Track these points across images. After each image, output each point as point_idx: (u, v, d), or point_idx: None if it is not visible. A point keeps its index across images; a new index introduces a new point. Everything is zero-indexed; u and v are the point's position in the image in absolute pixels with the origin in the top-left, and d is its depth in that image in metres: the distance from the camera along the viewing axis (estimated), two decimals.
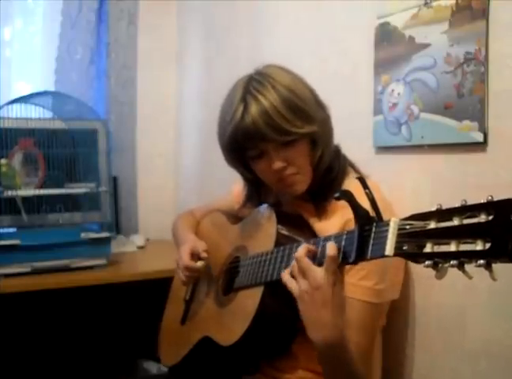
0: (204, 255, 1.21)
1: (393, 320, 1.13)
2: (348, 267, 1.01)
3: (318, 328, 0.87)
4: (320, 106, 1.12)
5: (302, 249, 0.87)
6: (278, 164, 1.07)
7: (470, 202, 0.63)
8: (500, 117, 1.04)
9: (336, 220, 1.07)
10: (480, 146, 1.07)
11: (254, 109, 1.03)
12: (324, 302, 0.85)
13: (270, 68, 1.12)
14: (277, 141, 1.05)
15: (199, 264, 1.20)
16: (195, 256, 1.22)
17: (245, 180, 1.24)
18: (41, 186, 1.66)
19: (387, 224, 0.73)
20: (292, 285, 0.88)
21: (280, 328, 1.04)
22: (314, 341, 0.90)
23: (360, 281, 1.03)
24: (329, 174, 1.13)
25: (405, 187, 1.23)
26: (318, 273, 0.84)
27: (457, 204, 0.64)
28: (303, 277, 0.86)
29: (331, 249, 0.83)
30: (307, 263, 0.85)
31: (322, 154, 1.10)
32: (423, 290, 1.19)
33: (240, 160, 1.15)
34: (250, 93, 1.05)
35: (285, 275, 0.90)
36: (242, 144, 1.08)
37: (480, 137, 1.07)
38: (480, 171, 1.08)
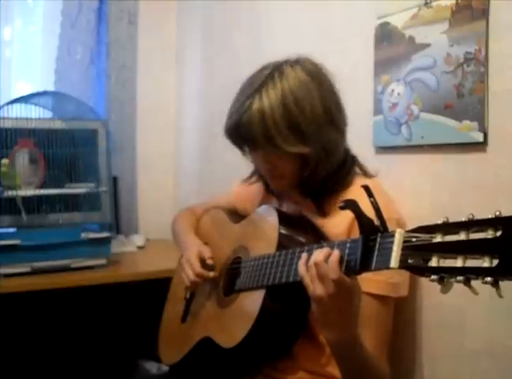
0: (210, 262, 1.20)
1: (393, 319, 1.13)
2: None
3: (332, 330, 0.88)
4: (332, 123, 1.08)
5: (322, 254, 0.85)
6: (263, 166, 1.11)
7: (474, 210, 0.62)
8: (500, 117, 1.04)
9: (343, 217, 1.05)
10: (480, 146, 1.07)
11: (254, 111, 1.03)
12: (340, 308, 0.85)
13: (296, 68, 1.07)
14: (267, 149, 1.07)
15: (211, 274, 1.20)
16: (201, 261, 1.22)
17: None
18: (41, 186, 1.66)
19: (392, 236, 0.73)
20: (309, 287, 0.86)
21: (281, 331, 1.04)
22: (326, 340, 0.92)
23: (374, 275, 1.01)
24: (331, 179, 1.12)
25: (405, 187, 1.23)
26: (337, 281, 0.82)
27: (464, 218, 0.63)
28: (320, 282, 0.84)
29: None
30: (326, 270, 0.83)
31: (313, 172, 1.09)
32: (423, 289, 1.19)
33: (241, 147, 1.16)
34: (260, 92, 1.04)
35: (302, 269, 0.88)
36: (239, 137, 1.10)
37: (479, 137, 1.07)
38: (480, 171, 1.08)
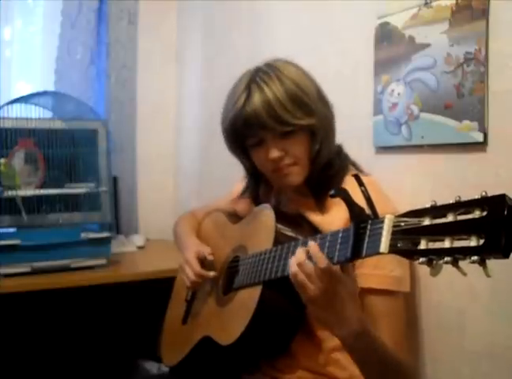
0: (210, 258, 1.21)
1: None
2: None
3: (339, 325, 0.87)
4: (323, 102, 1.14)
5: (300, 255, 0.85)
6: (275, 153, 1.10)
7: (464, 198, 0.63)
8: (500, 117, 1.04)
9: (340, 213, 1.05)
10: (480, 146, 1.07)
11: (256, 98, 1.07)
12: (332, 304, 0.84)
13: (279, 61, 1.15)
14: (276, 130, 1.08)
15: (211, 274, 1.20)
16: (201, 260, 1.22)
17: (245, 169, 1.27)
18: (41, 186, 1.66)
19: (382, 221, 0.73)
20: (299, 289, 0.86)
21: (279, 326, 1.04)
22: (338, 338, 0.90)
23: (374, 270, 1.03)
24: (329, 170, 1.14)
25: (405, 187, 1.23)
26: (322, 277, 0.82)
27: (451, 200, 0.64)
28: (309, 281, 0.84)
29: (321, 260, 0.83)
30: (309, 268, 0.83)
31: (320, 148, 1.12)
32: (422, 290, 1.19)
33: (240, 148, 1.18)
34: (255, 82, 1.09)
35: (293, 270, 0.87)
36: (242, 132, 1.12)
37: (479, 137, 1.07)
38: (480, 171, 1.08)
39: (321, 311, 0.86)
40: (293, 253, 0.93)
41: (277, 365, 1.11)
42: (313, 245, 0.85)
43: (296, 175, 1.13)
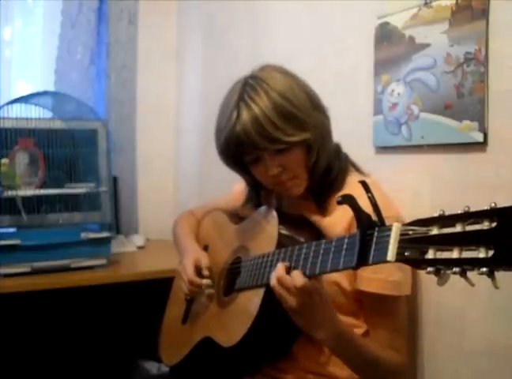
0: (206, 273, 1.20)
1: None
2: None
3: (315, 331, 0.94)
4: (317, 108, 1.11)
5: (279, 270, 0.92)
6: (273, 171, 1.09)
7: (473, 208, 0.62)
8: (500, 117, 1.04)
9: (342, 215, 1.06)
10: (480, 146, 1.07)
11: (245, 117, 1.04)
12: (309, 314, 0.91)
13: (266, 71, 1.11)
14: (269, 149, 1.06)
15: (204, 281, 1.19)
16: (198, 270, 1.21)
17: (245, 182, 1.26)
18: (41, 186, 1.66)
19: (389, 229, 0.73)
20: (280, 300, 0.92)
21: (281, 330, 1.04)
22: (319, 342, 0.98)
23: (374, 274, 1.04)
24: (329, 175, 1.13)
25: (405, 187, 1.23)
26: (299, 292, 0.88)
27: (460, 211, 0.63)
28: (288, 295, 0.90)
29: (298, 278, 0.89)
30: (288, 283, 0.89)
31: (318, 158, 1.11)
32: (423, 289, 1.19)
33: (238, 164, 1.17)
34: (243, 100, 1.06)
35: (272, 283, 0.93)
36: (237, 150, 1.10)
37: (479, 137, 1.07)
38: (480, 171, 1.08)
39: (299, 319, 0.92)
40: (297, 256, 0.93)
41: (278, 366, 1.11)
42: (280, 265, 0.92)
43: (297, 187, 1.13)
